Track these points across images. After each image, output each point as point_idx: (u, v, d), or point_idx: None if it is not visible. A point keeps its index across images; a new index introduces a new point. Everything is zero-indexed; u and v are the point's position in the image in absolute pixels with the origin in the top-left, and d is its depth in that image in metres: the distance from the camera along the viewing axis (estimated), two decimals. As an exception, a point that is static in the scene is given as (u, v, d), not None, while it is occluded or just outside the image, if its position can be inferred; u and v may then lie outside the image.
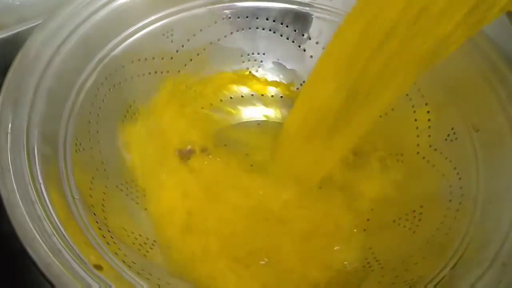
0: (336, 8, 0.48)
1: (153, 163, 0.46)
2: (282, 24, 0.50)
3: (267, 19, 0.50)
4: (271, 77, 0.53)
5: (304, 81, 0.52)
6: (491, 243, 0.33)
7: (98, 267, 0.30)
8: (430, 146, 0.44)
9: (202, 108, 0.51)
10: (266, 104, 0.53)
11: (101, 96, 0.43)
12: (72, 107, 0.40)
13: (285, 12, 0.50)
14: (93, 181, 0.40)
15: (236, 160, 0.48)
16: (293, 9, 0.50)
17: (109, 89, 0.44)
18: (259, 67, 0.53)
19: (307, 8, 0.49)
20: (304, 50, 0.51)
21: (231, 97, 0.53)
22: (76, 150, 0.39)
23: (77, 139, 0.39)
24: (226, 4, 0.49)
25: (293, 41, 0.51)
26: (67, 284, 0.28)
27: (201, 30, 0.49)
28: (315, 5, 0.49)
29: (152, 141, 0.46)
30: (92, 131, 0.42)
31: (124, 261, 0.34)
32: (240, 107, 0.53)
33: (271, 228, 0.44)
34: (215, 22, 0.49)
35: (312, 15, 0.49)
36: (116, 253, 0.34)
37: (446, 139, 0.43)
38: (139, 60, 0.46)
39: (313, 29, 0.50)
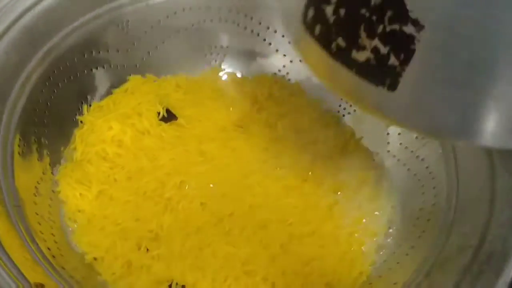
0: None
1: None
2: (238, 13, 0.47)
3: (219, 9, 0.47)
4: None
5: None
6: (466, 247, 0.31)
7: (39, 286, 0.27)
8: (400, 144, 0.42)
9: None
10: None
11: (49, 92, 0.39)
12: (14, 104, 0.36)
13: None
14: (38, 186, 0.36)
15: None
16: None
17: (59, 84, 0.40)
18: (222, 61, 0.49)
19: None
20: (270, 44, 0.48)
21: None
22: (19, 152, 0.35)
23: (20, 139, 0.35)
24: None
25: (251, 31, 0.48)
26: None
27: (159, 21, 0.46)
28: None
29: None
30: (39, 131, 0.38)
31: (72, 276, 0.30)
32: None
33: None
34: (175, 13, 0.46)
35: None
36: (63, 267, 0.31)
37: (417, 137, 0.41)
38: (92, 52, 0.42)
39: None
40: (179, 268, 0.35)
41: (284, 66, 0.48)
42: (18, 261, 0.27)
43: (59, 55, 0.40)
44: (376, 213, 0.40)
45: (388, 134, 0.43)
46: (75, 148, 0.41)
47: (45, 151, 0.38)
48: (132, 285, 0.34)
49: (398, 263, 0.36)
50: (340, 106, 0.47)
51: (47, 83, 0.39)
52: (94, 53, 0.43)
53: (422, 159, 0.40)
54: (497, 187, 0.32)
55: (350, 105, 0.46)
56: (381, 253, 0.38)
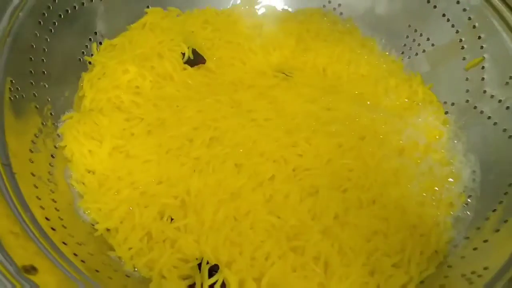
0: None
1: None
2: None
3: None
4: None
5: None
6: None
7: (29, 269, 0.20)
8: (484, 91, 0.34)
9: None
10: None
11: (48, 25, 0.31)
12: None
13: None
14: (36, 140, 0.29)
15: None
16: None
17: (60, 15, 0.32)
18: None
19: None
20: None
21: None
22: (10, 97, 0.28)
23: (12, 81, 0.28)
24: None
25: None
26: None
27: None
28: None
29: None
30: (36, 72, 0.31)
31: (75, 254, 0.24)
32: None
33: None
34: None
35: None
36: (65, 243, 0.24)
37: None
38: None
39: None
40: (211, 243, 0.28)
41: (335, -3, 0.40)
42: (3, 237, 0.21)
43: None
44: (451, 179, 0.32)
45: (467, 79, 0.35)
46: (83, 95, 0.34)
47: (45, 98, 0.31)
48: (153, 263, 0.28)
49: (485, 241, 0.28)
50: (405, 46, 0.38)
51: (45, 13, 0.31)
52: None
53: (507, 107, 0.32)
54: None
55: (418, 44, 0.38)
56: (461, 228, 0.31)
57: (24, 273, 0.20)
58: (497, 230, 0.29)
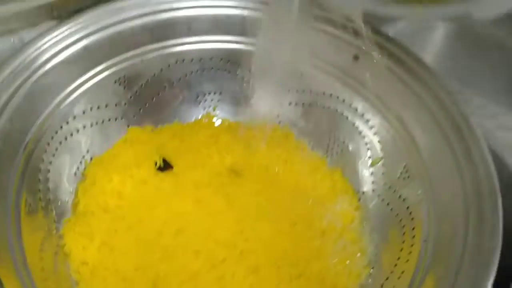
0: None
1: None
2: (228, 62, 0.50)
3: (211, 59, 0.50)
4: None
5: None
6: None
7: None
8: (384, 183, 0.44)
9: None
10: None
11: (51, 152, 0.42)
12: (20, 167, 0.39)
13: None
14: (44, 241, 0.39)
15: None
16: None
17: (60, 142, 0.43)
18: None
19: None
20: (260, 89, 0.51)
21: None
22: (26, 211, 0.38)
23: (26, 199, 0.39)
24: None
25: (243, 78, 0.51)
26: None
27: (154, 75, 0.49)
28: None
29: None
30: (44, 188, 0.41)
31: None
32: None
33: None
34: (168, 66, 0.49)
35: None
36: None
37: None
38: (91, 108, 0.46)
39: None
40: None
41: (274, 110, 0.51)
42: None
43: (60, 115, 0.43)
44: (359, 254, 0.42)
45: (372, 173, 0.45)
46: (78, 201, 0.44)
47: (49, 207, 0.41)
48: None
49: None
50: (328, 146, 0.49)
51: (49, 143, 0.42)
52: (93, 109, 0.46)
53: (404, 199, 0.42)
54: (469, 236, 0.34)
55: (337, 145, 0.49)
56: (364, 294, 0.40)
57: None
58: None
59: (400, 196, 0.42)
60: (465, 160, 0.37)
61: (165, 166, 0.47)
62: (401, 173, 0.43)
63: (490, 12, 0.27)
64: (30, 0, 0.42)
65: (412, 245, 0.39)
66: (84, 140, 0.46)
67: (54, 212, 0.42)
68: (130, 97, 0.48)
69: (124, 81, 0.47)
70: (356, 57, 0.44)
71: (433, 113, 0.40)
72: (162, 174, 0.46)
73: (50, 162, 0.42)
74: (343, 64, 0.47)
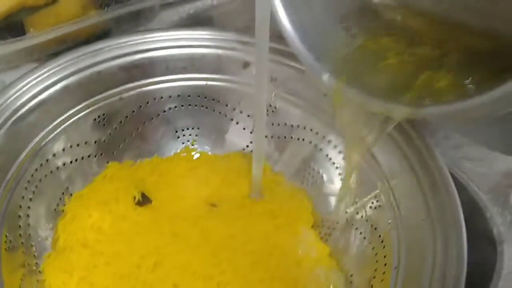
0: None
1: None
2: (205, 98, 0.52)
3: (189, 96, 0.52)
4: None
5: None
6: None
7: None
8: (357, 213, 0.46)
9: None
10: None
11: (31, 189, 0.43)
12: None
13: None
14: (24, 278, 0.40)
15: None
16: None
17: (40, 180, 0.44)
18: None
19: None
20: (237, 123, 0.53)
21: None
22: (5, 248, 0.39)
23: (6, 235, 0.39)
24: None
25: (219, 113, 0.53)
26: None
27: (133, 112, 0.50)
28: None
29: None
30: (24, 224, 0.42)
31: None
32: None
33: None
34: (147, 103, 0.51)
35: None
36: None
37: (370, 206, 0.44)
38: (71, 146, 0.47)
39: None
40: None
41: (251, 143, 0.53)
42: None
43: (41, 154, 0.44)
44: (331, 286, 0.43)
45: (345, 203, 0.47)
46: (58, 237, 0.45)
47: (29, 243, 0.42)
48: None
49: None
50: (304, 177, 0.51)
51: (29, 181, 0.43)
52: (72, 147, 0.47)
53: (376, 228, 0.44)
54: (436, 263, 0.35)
55: (313, 176, 0.50)
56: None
57: None
58: None
59: (372, 225, 0.44)
60: (430, 189, 0.39)
61: (144, 200, 0.48)
62: (372, 202, 0.44)
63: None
64: (11, 43, 0.44)
65: (383, 273, 0.40)
66: (64, 176, 0.47)
67: (34, 247, 0.42)
68: (110, 133, 0.50)
69: (104, 119, 0.49)
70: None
71: (400, 145, 0.42)
72: (140, 209, 0.47)
73: (31, 199, 0.43)
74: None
